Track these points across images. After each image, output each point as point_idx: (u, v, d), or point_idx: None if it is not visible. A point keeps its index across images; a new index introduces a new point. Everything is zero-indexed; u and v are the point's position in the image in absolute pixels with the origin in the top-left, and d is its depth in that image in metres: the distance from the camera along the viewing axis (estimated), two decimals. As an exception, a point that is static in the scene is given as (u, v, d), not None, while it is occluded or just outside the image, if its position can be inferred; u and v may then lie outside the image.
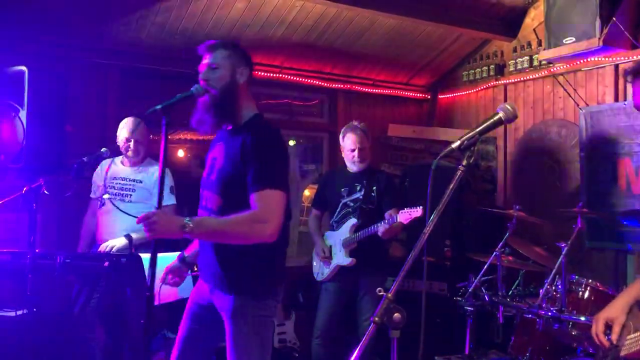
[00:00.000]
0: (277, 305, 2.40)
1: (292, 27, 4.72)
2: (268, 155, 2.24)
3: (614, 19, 4.02)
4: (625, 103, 4.27)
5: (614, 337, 1.90)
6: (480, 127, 1.54)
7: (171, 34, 4.51)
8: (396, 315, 1.40)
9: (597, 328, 1.95)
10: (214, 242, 2.35)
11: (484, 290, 3.79)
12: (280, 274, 2.42)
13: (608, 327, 1.94)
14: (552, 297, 3.26)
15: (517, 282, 3.82)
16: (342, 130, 3.98)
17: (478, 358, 3.83)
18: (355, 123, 3.96)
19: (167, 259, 3.27)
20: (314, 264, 4.05)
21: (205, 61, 2.36)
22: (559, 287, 3.23)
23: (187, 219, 2.10)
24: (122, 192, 3.74)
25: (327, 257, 3.86)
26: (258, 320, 2.30)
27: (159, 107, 2.18)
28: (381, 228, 3.58)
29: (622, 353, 1.83)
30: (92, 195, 3.90)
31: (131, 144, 3.73)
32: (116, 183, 3.77)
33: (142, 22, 4.35)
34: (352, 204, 3.87)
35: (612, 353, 1.90)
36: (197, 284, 2.55)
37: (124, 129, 3.77)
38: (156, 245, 2.16)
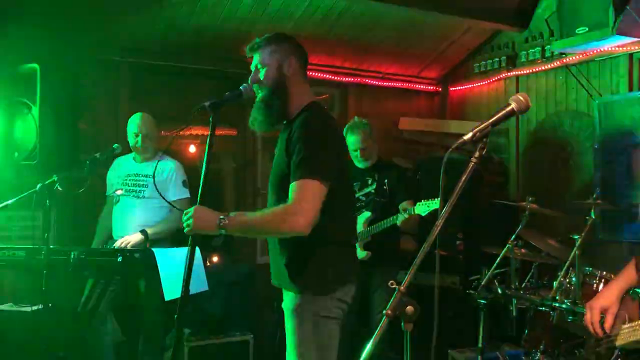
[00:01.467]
0: (344, 307, 2.28)
1: (302, 22, 4.71)
2: (310, 143, 2.14)
3: (627, 7, 3.96)
4: (640, 93, 4.21)
5: (607, 326, 1.88)
6: (493, 119, 1.53)
7: (182, 30, 4.52)
8: (409, 308, 1.40)
9: (593, 317, 1.93)
10: (278, 241, 2.30)
11: (497, 283, 3.77)
12: (345, 272, 2.29)
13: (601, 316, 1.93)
14: (566, 289, 3.24)
15: (530, 274, 3.80)
16: (344, 128, 3.95)
17: (491, 351, 3.81)
18: (357, 120, 3.93)
19: (178, 252, 3.30)
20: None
21: (252, 63, 2.35)
22: (573, 279, 3.20)
23: (223, 215, 2.10)
24: (135, 189, 3.76)
25: None
26: (318, 320, 2.20)
27: (207, 104, 2.19)
28: (400, 218, 3.58)
29: (618, 343, 1.81)
30: (107, 193, 3.93)
31: (139, 138, 3.74)
32: (129, 179, 3.80)
33: (154, 19, 4.36)
34: (364, 198, 3.87)
35: (605, 343, 1.88)
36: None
37: (132, 123, 3.79)
38: (194, 240, 2.17)
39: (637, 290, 1.98)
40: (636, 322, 1.72)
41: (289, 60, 2.30)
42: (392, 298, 1.40)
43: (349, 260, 2.35)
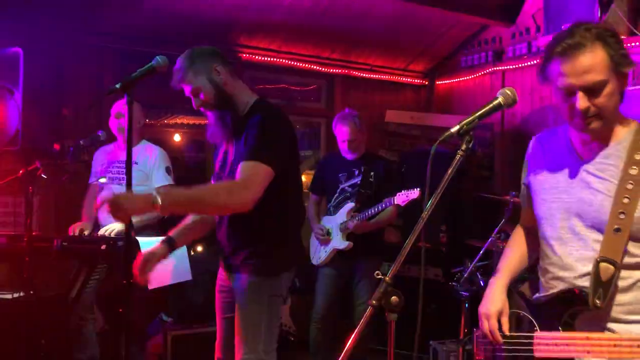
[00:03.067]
0: (288, 285, 2.42)
1: (290, 11, 4.69)
2: (264, 133, 2.22)
3: (612, 5, 4.01)
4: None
5: (505, 329, 1.78)
6: (480, 112, 1.54)
7: (168, 17, 4.47)
8: (394, 298, 1.41)
9: (492, 325, 1.77)
10: (229, 222, 2.36)
11: (479, 276, 3.82)
12: (294, 253, 2.45)
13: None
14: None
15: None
16: (334, 119, 3.96)
17: (472, 342, 3.85)
18: (347, 112, 3.94)
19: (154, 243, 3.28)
20: (311, 248, 4.07)
21: (186, 91, 2.36)
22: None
23: (155, 192, 2.01)
24: (119, 176, 3.73)
25: (326, 236, 3.88)
26: (269, 299, 2.32)
27: (118, 85, 2.17)
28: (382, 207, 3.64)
29: (538, 354, 1.67)
30: (90, 181, 3.89)
31: (119, 122, 3.71)
32: (113, 167, 3.76)
33: (139, 4, 4.31)
34: (350, 189, 3.88)
35: (509, 349, 1.77)
36: (220, 270, 2.57)
37: (116, 107, 3.76)
38: (129, 229, 2.21)
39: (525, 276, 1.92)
40: (564, 335, 1.62)
41: (214, 71, 2.32)
42: (378, 288, 1.42)
43: (298, 244, 2.49)
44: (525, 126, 5.01)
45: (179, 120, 6.90)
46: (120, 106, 3.75)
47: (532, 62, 4.95)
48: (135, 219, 3.57)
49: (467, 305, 3.72)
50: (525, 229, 1.95)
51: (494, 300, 1.82)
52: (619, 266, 1.56)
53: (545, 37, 4.37)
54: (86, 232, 3.59)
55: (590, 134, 1.62)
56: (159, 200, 1.99)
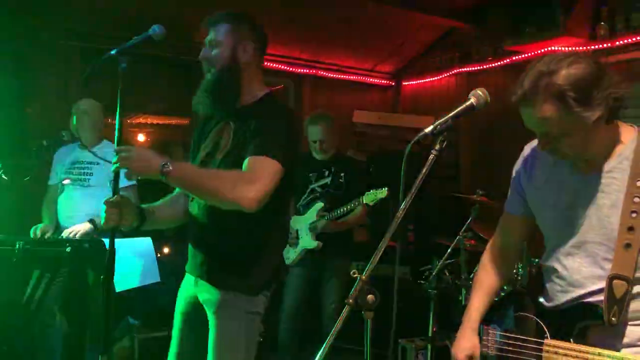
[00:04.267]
0: (267, 302, 2.17)
1: (259, 11, 4.66)
2: (275, 129, 2.02)
3: (573, 9, 4.13)
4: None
5: None
6: (453, 113, 1.56)
7: (137, 14, 4.40)
8: (370, 297, 1.42)
9: None
10: (207, 229, 2.11)
11: (447, 274, 3.88)
12: (276, 270, 2.21)
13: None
14: (514, 280, 3.36)
15: (478, 265, 3.91)
16: (306, 119, 3.96)
17: (441, 340, 3.91)
18: (320, 113, 3.95)
19: (130, 243, 3.23)
20: (280, 249, 4.06)
21: (207, 38, 2.15)
22: (520, 270, 3.33)
23: (167, 160, 1.85)
24: (80, 177, 3.65)
25: (294, 238, 3.88)
26: (247, 317, 2.09)
27: (114, 51, 2.01)
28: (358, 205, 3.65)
29: None
30: (50, 182, 3.78)
31: (83, 121, 3.64)
32: (75, 168, 3.68)
33: (105, 2, 4.23)
34: (319, 189, 3.89)
35: (518, 351, 1.78)
36: (185, 278, 2.31)
37: (74, 109, 3.68)
38: (114, 231, 2.00)
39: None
40: (572, 346, 1.64)
41: (245, 45, 2.13)
42: (354, 287, 1.42)
43: (280, 260, 2.29)
44: (490, 127, 5.10)
45: (142, 120, 6.80)
46: (81, 106, 3.66)
47: (497, 64, 5.05)
48: (98, 220, 3.52)
49: (435, 303, 3.77)
50: (497, 249, 1.94)
51: (464, 339, 1.87)
52: (632, 282, 1.57)
53: (510, 40, 4.47)
54: (48, 234, 3.50)
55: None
56: (169, 169, 1.83)
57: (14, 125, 3.99)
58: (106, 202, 1.99)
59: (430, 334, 3.81)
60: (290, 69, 5.42)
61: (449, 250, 3.84)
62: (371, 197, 3.57)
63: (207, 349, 2.10)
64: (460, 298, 3.83)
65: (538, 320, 1.78)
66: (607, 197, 1.60)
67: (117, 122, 2.04)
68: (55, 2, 4.11)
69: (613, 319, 1.57)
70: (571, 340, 1.65)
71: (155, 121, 6.87)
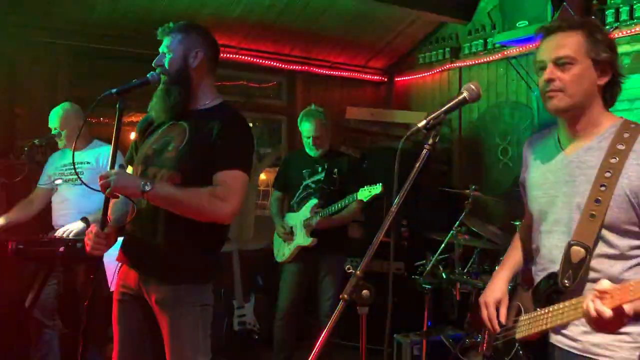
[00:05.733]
0: (210, 292, 2.25)
1: (250, 7, 4.66)
2: (239, 139, 2.22)
3: (564, 3, 4.14)
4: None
5: (502, 319, 1.83)
6: (446, 107, 1.57)
7: (125, 13, 4.38)
8: (365, 292, 1.42)
9: (490, 312, 1.85)
10: (158, 225, 2.17)
11: (441, 269, 3.89)
12: (219, 260, 2.35)
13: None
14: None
15: (472, 260, 3.93)
16: (299, 115, 3.97)
17: (435, 334, 3.93)
18: (313, 108, 3.95)
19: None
20: (275, 245, 4.06)
21: (161, 46, 2.30)
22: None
23: (148, 180, 2.06)
24: (72, 177, 3.64)
25: (289, 234, 3.88)
26: (201, 309, 2.19)
27: (114, 90, 2.13)
28: (351, 200, 3.66)
29: (518, 336, 1.75)
30: (39, 183, 3.75)
31: (61, 135, 3.62)
32: (66, 169, 3.67)
33: (94, 1, 4.21)
34: (313, 186, 3.89)
35: (503, 337, 1.83)
36: (120, 273, 2.31)
37: (51, 119, 3.65)
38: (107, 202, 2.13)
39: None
40: (535, 313, 1.69)
41: (195, 52, 2.26)
42: (349, 282, 1.43)
43: (219, 252, 2.34)
44: (482, 121, 5.12)
45: (133, 119, 6.76)
46: (53, 124, 3.62)
47: (488, 59, 5.07)
48: (92, 219, 3.51)
49: (429, 298, 3.79)
50: (527, 226, 1.98)
51: (493, 289, 1.90)
52: (590, 251, 1.60)
53: (500, 35, 4.48)
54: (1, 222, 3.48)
55: (555, 111, 1.69)
56: (149, 188, 2.02)
57: (3, 125, 3.96)
58: (97, 234, 2.13)
59: (425, 329, 3.83)
60: (283, 65, 5.41)
61: (442, 245, 3.86)
62: (365, 193, 3.58)
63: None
64: (455, 293, 3.85)
65: (518, 302, 1.84)
66: (584, 173, 1.66)
67: (112, 151, 2.21)
68: (44, 2, 4.08)
69: (566, 281, 1.62)
70: (537, 309, 1.71)
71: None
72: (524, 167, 1.90)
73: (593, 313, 1.39)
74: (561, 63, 1.65)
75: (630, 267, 1.62)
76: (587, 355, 1.62)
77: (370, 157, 5.23)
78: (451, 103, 1.58)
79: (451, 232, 3.82)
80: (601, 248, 1.62)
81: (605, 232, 1.61)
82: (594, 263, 1.62)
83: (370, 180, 3.64)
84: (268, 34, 5.08)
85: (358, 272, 1.43)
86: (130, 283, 2.24)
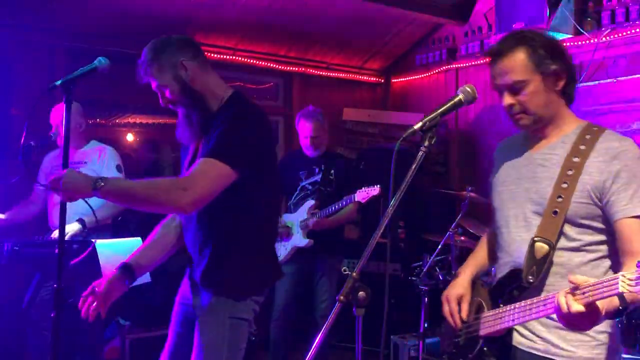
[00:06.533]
0: (257, 308, 2.16)
1: (247, 9, 4.66)
2: (231, 131, 2.03)
3: (560, 5, 4.15)
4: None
5: (464, 315, 1.85)
6: (441, 109, 1.58)
7: (122, 14, 4.37)
8: (361, 293, 1.42)
9: (452, 307, 1.86)
10: (196, 236, 2.13)
11: (438, 270, 3.90)
12: (265, 277, 2.21)
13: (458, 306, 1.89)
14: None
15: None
16: (297, 115, 3.98)
17: (432, 336, 3.93)
18: (311, 109, 3.96)
19: (120, 244, 3.21)
20: (271, 247, 4.05)
21: (152, 86, 2.16)
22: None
23: (99, 177, 1.93)
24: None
25: (285, 228, 3.87)
26: (233, 322, 2.09)
27: (58, 82, 2.03)
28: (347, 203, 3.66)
29: (482, 332, 1.75)
30: (35, 184, 3.75)
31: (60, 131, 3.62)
32: (59, 169, 3.66)
33: (90, 1, 4.20)
34: (310, 187, 3.89)
35: (465, 334, 1.84)
36: (183, 281, 2.31)
37: (54, 113, 3.65)
38: (62, 227, 2.04)
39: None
40: (500, 310, 1.70)
41: (181, 66, 2.10)
42: (346, 284, 1.43)
43: (269, 264, 2.25)
44: (478, 123, 5.13)
45: (131, 120, 6.75)
46: (56, 119, 3.63)
47: (484, 60, 5.06)
48: (88, 220, 3.50)
49: (426, 299, 3.79)
50: (494, 228, 2.00)
51: (456, 285, 1.91)
52: (553, 246, 1.64)
53: (497, 36, 4.49)
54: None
55: (525, 129, 1.75)
56: (102, 185, 1.89)
57: (1, 125, 3.95)
58: (83, 297, 2.11)
59: (421, 330, 3.83)
60: (279, 67, 5.41)
61: (439, 247, 3.86)
62: (363, 194, 3.58)
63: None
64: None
65: (480, 298, 1.85)
66: (546, 170, 1.70)
67: (64, 148, 2.09)
68: (41, 2, 4.07)
69: (530, 277, 1.64)
70: (501, 305, 1.71)
71: (143, 120, 6.84)
72: (493, 170, 1.93)
73: (564, 308, 1.39)
74: (513, 87, 1.68)
75: (588, 262, 1.67)
76: (548, 356, 1.65)
77: (367, 158, 5.24)
78: (447, 105, 1.59)
79: (448, 233, 3.83)
80: (562, 242, 1.66)
81: (566, 227, 1.65)
82: (555, 257, 1.66)
83: (366, 181, 3.64)
84: (265, 35, 5.08)
85: (354, 273, 1.44)
86: (187, 288, 2.25)
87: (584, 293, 1.36)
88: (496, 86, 1.73)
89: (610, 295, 1.32)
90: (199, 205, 1.99)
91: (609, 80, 4.21)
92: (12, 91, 4.13)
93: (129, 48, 4.57)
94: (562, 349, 1.64)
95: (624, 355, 3.04)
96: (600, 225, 1.65)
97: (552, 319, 1.62)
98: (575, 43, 4.34)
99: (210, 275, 2.11)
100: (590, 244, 1.66)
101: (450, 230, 3.82)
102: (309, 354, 1.43)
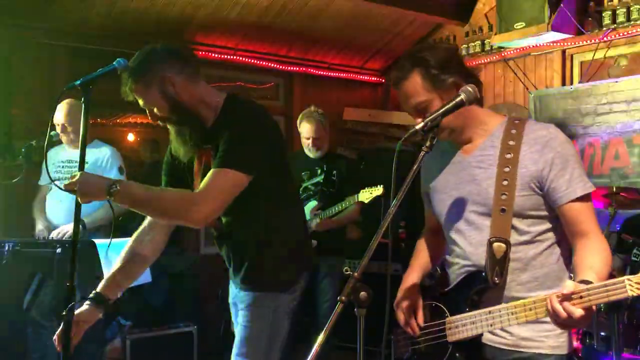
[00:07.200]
0: (295, 297, 2.22)
1: (248, 8, 4.66)
2: (237, 136, 2.01)
3: (561, 5, 4.15)
4: (572, 87, 4.42)
5: (420, 321, 1.84)
6: (443, 109, 1.57)
7: (122, 14, 4.37)
8: (363, 294, 1.42)
9: (408, 317, 1.85)
10: (230, 241, 2.20)
11: (438, 270, 3.89)
12: (299, 268, 2.24)
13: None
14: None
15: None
16: (299, 116, 3.97)
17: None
18: (313, 109, 3.95)
19: (120, 244, 3.21)
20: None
21: (141, 103, 2.09)
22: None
23: (114, 181, 1.91)
24: (68, 176, 3.63)
25: None
26: (273, 315, 2.15)
27: (77, 82, 1.98)
28: (350, 202, 3.66)
29: (453, 338, 1.74)
30: (40, 183, 3.76)
31: (66, 130, 3.62)
32: (63, 168, 3.67)
33: (91, 1, 4.20)
34: (312, 188, 3.89)
35: (428, 339, 1.82)
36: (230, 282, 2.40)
37: (58, 112, 3.65)
38: (76, 232, 1.98)
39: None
40: (470, 314, 1.70)
41: (168, 81, 2.02)
42: (347, 284, 1.43)
43: (303, 255, 2.28)
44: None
45: (132, 120, 6.76)
46: (61, 119, 3.62)
47: (485, 60, 5.07)
48: (87, 220, 3.51)
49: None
50: (430, 231, 2.04)
51: (407, 292, 1.90)
52: (509, 243, 1.67)
53: (498, 36, 4.49)
54: (46, 236, 3.48)
55: (447, 140, 1.76)
56: (117, 190, 1.87)
57: (2, 125, 3.95)
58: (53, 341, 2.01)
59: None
60: (280, 66, 5.41)
61: (440, 247, 3.86)
62: (366, 195, 3.57)
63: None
64: (452, 294, 3.85)
65: (436, 303, 1.84)
66: (484, 171, 1.72)
67: (80, 145, 2.05)
68: (42, 2, 4.07)
69: (496, 279, 1.66)
70: (467, 309, 1.72)
71: (144, 120, 6.84)
72: (424, 178, 1.94)
73: (563, 315, 1.41)
74: (419, 110, 1.70)
75: (542, 251, 1.70)
76: (518, 349, 1.68)
77: (368, 159, 5.24)
78: (448, 105, 1.58)
79: (449, 233, 3.82)
80: (515, 237, 1.68)
81: (516, 222, 1.67)
82: (512, 254, 1.68)
83: (368, 181, 3.64)
84: (265, 35, 5.08)
85: (356, 273, 1.43)
86: (232, 288, 2.35)
87: (581, 297, 1.38)
88: (406, 111, 1.78)
89: (619, 299, 1.34)
90: (210, 219, 2.03)
91: (610, 80, 4.21)
92: (12, 91, 4.14)
93: (131, 48, 4.57)
94: (531, 340, 1.67)
95: (625, 355, 3.04)
96: (545, 213, 1.69)
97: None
98: (577, 43, 4.34)
99: (250, 278, 2.18)
100: (540, 233, 1.70)
101: (451, 230, 3.82)
102: (311, 354, 1.43)
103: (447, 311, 1.78)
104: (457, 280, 1.78)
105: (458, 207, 1.77)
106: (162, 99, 2.03)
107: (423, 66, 1.68)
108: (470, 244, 1.75)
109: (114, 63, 2.00)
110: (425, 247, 2.05)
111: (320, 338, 1.43)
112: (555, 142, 1.67)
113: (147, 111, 2.10)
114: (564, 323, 1.44)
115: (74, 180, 1.91)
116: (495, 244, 1.66)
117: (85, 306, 2.08)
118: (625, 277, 1.29)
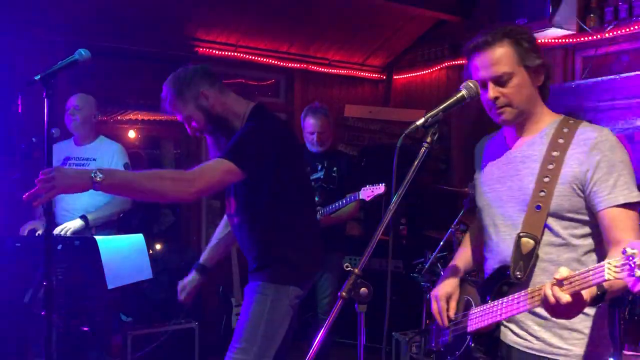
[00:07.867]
0: (300, 294, 2.37)
1: (248, 5, 4.65)
2: (243, 134, 2.22)
3: (563, 1, 4.13)
4: (574, 84, 4.41)
5: (452, 314, 1.87)
6: (444, 105, 1.57)
7: (122, 10, 4.36)
8: (363, 290, 1.42)
9: (440, 306, 1.88)
10: (240, 237, 2.42)
11: (440, 267, 3.90)
12: (307, 264, 2.41)
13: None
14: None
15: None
16: (304, 110, 3.97)
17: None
18: (318, 105, 3.95)
19: (121, 240, 3.22)
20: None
21: (179, 118, 2.36)
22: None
23: (96, 169, 1.90)
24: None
25: None
26: (274, 302, 2.30)
27: (37, 77, 2.00)
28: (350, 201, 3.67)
29: (470, 329, 1.76)
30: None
31: (77, 116, 3.64)
32: (69, 165, 3.68)
33: (92, -3, 4.20)
34: (313, 184, 3.88)
35: (452, 331, 1.85)
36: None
37: (70, 102, 3.68)
38: (50, 224, 2.10)
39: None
40: (487, 305, 1.71)
41: (202, 96, 2.30)
42: (347, 280, 1.43)
43: (313, 251, 2.45)
44: (480, 119, 5.11)
45: (133, 116, 6.76)
46: (73, 102, 3.66)
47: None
48: (90, 217, 3.51)
49: (428, 296, 3.79)
50: (478, 226, 2.01)
51: (444, 284, 1.92)
52: (538, 241, 1.64)
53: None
54: (39, 232, 3.48)
55: (506, 124, 1.76)
56: (100, 177, 1.87)
57: (3, 122, 3.95)
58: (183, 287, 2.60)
59: (423, 327, 3.83)
60: (281, 63, 5.41)
61: (441, 243, 3.86)
62: (368, 192, 3.57)
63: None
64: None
65: (468, 297, 1.85)
66: (528, 167, 1.71)
67: (45, 143, 2.04)
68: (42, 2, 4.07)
69: (518, 273, 1.64)
70: (489, 301, 1.72)
71: (145, 117, 6.84)
72: (476, 169, 1.95)
73: (552, 299, 1.39)
74: (499, 79, 1.68)
75: (579, 257, 1.66)
76: (544, 355, 1.66)
77: (369, 155, 5.23)
78: (450, 101, 1.58)
79: (449, 230, 3.82)
80: (548, 237, 1.65)
81: (550, 221, 1.65)
82: (542, 253, 1.66)
83: (368, 178, 3.63)
84: (266, 32, 5.08)
85: (356, 270, 1.43)
86: None
87: (570, 283, 1.37)
88: (479, 78, 1.71)
89: (597, 283, 1.32)
90: (200, 195, 2.18)
91: (612, 77, 4.20)
92: (14, 87, 4.14)
93: (131, 44, 4.58)
94: (559, 347, 1.64)
95: (627, 352, 3.04)
96: (586, 218, 1.64)
97: (545, 317, 1.62)
98: (578, 39, 4.32)
99: (259, 270, 2.37)
100: (578, 237, 1.66)
101: (452, 227, 3.82)
102: (311, 350, 1.43)
103: (474, 304, 1.80)
104: (487, 275, 1.79)
105: (497, 202, 1.77)
106: (198, 111, 2.30)
107: (515, 38, 1.67)
108: (504, 240, 1.74)
109: (75, 55, 2.00)
110: (468, 243, 2.05)
111: (321, 334, 1.43)
112: (604, 145, 1.61)
113: (186, 125, 2.35)
114: (555, 310, 1.42)
115: (47, 176, 1.83)
116: (524, 239, 1.65)
117: (192, 275, 2.59)
118: (606, 261, 1.27)
